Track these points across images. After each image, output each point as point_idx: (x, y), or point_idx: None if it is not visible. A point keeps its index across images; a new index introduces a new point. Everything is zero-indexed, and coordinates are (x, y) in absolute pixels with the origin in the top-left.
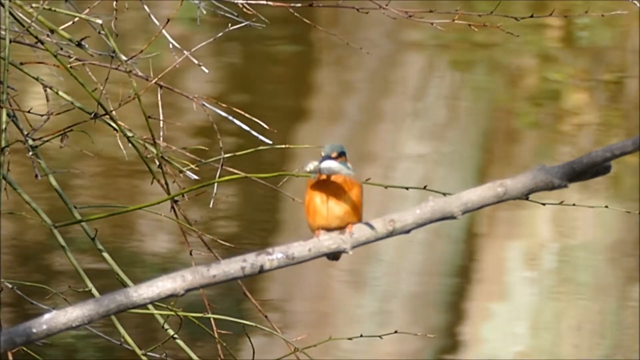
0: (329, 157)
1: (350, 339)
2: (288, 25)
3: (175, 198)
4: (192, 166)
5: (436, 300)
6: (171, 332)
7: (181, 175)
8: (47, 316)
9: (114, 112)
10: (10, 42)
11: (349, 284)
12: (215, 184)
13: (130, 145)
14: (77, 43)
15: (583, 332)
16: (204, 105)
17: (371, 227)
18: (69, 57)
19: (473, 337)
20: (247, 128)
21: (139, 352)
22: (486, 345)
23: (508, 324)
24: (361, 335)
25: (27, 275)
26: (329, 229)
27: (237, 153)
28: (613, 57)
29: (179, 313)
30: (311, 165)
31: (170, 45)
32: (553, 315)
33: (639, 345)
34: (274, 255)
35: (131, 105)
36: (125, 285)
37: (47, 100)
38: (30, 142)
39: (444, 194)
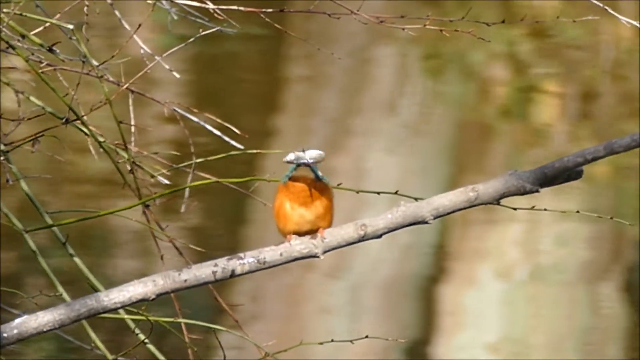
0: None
1: (321, 343)
2: (259, 29)
3: (147, 203)
4: (164, 171)
5: (408, 295)
6: (142, 336)
7: (152, 180)
8: (17, 321)
9: (85, 117)
10: None
11: (321, 282)
12: (187, 189)
13: (101, 150)
14: (48, 48)
15: (554, 326)
16: (175, 110)
17: (343, 231)
18: (41, 62)
19: (445, 342)
20: (218, 133)
21: (109, 357)
22: (459, 338)
23: (479, 320)
24: (332, 340)
25: None
26: (300, 234)
27: (209, 158)
28: (585, 61)
29: (150, 317)
30: (292, 155)
31: (142, 51)
32: (524, 315)
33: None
34: (246, 260)
35: (103, 111)
36: (96, 290)
37: (19, 105)
38: (2, 147)
39: (416, 199)
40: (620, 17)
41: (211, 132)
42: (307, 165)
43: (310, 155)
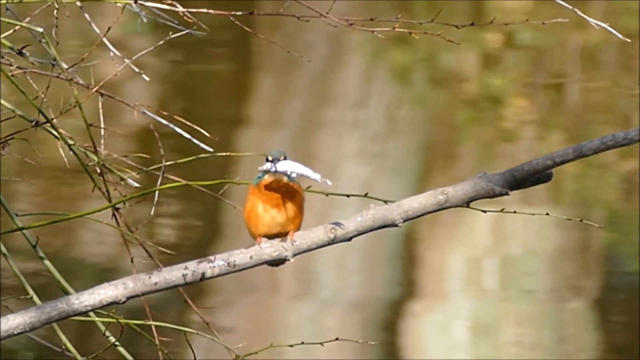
0: (279, 160)
1: (291, 345)
2: (228, 32)
3: (117, 206)
4: (133, 174)
5: (378, 303)
6: (112, 339)
7: (122, 183)
8: None
9: (55, 120)
10: None
11: (291, 289)
12: (157, 192)
13: (71, 153)
14: (18, 51)
15: (524, 341)
16: (144, 113)
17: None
18: (10, 65)
19: (412, 348)
20: (188, 136)
21: (80, 359)
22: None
23: (449, 331)
24: (302, 342)
25: None
26: (270, 236)
27: (179, 161)
28: (554, 61)
29: (120, 320)
30: (269, 165)
31: (111, 54)
32: (494, 321)
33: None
34: (216, 263)
35: (74, 114)
36: (66, 293)
37: None
38: None
39: (385, 202)
40: (589, 19)
41: (181, 135)
42: (285, 175)
43: (288, 166)
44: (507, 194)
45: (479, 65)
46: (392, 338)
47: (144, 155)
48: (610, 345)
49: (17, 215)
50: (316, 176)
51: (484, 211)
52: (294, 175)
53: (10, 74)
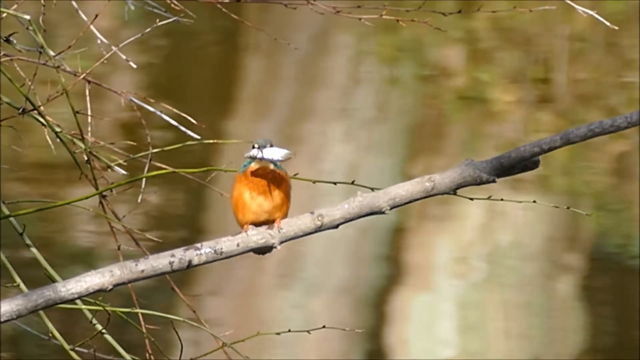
0: (265, 147)
1: (278, 333)
2: (216, 20)
3: (104, 193)
4: (120, 161)
5: (363, 297)
6: (99, 327)
7: (109, 170)
8: None
9: (42, 108)
10: None
11: (277, 278)
12: (144, 179)
13: (58, 140)
14: (5, 39)
15: (511, 330)
16: (131, 100)
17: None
18: None
19: (399, 338)
20: (175, 123)
21: (67, 347)
22: (412, 346)
23: (434, 323)
24: (289, 330)
25: None
26: (256, 224)
27: (165, 148)
28: (541, 50)
29: (107, 308)
30: (255, 151)
31: (99, 41)
32: (481, 313)
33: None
34: (202, 250)
35: (61, 101)
36: (53, 281)
37: None
38: None
39: (372, 189)
40: (577, 6)
41: (168, 122)
42: (271, 162)
43: (274, 153)
44: (494, 181)
45: (467, 52)
46: (380, 323)
47: (131, 143)
48: (599, 331)
49: (4, 203)
50: (291, 154)
51: (471, 199)
52: (280, 161)
53: None
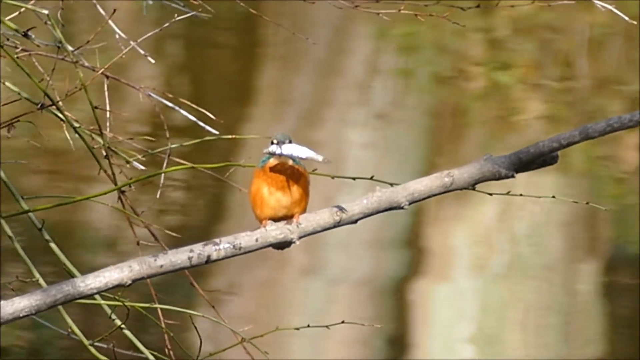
0: (284, 143)
1: (297, 329)
2: (234, 16)
3: (123, 188)
4: (139, 156)
5: (384, 284)
6: (118, 322)
7: (128, 165)
8: None
9: (60, 103)
10: None
11: (297, 268)
12: (162, 174)
13: (77, 135)
14: (23, 33)
15: (530, 315)
16: (150, 95)
17: (318, 216)
18: (16, 47)
19: (422, 321)
20: (193, 118)
21: (86, 342)
22: (435, 330)
23: (456, 308)
24: (308, 325)
25: None
26: (275, 219)
27: (184, 143)
28: (560, 44)
29: (126, 303)
30: (274, 147)
31: (117, 36)
32: (501, 298)
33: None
34: (221, 246)
35: (80, 100)
36: (72, 276)
37: None
38: None
39: (391, 184)
40: (596, 1)
41: (187, 118)
42: (290, 158)
43: (293, 149)
44: (512, 176)
45: (486, 47)
46: (400, 314)
47: (150, 138)
48: (617, 322)
49: (23, 198)
50: (319, 157)
51: (490, 194)
52: (299, 158)
53: (15, 56)
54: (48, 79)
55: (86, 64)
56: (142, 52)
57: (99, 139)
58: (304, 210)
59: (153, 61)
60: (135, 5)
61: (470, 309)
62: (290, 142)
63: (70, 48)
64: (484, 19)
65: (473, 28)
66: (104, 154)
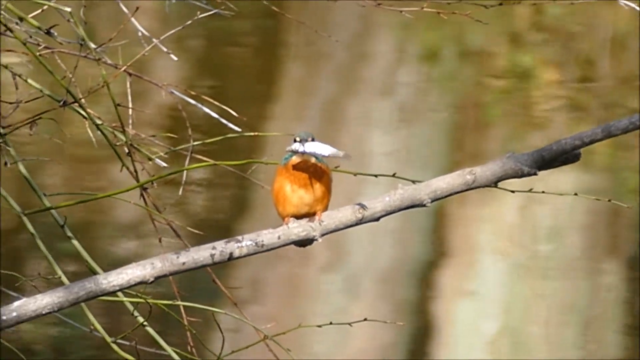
0: (307, 141)
1: (319, 326)
2: (256, 14)
3: (145, 185)
4: (161, 154)
5: (407, 277)
6: (141, 319)
7: (150, 162)
8: (16, 303)
9: (83, 100)
10: None
11: (319, 262)
12: (185, 172)
13: (99, 132)
14: (46, 31)
15: (553, 310)
16: (172, 92)
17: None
18: (38, 45)
19: (445, 316)
20: (215, 115)
21: (108, 339)
22: (458, 325)
23: (479, 304)
24: (331, 323)
25: None
26: (297, 217)
27: (207, 140)
28: (583, 42)
29: (149, 300)
30: (297, 145)
31: (140, 34)
32: (523, 295)
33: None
34: (244, 243)
35: (102, 98)
36: (94, 273)
37: (17, 89)
38: (0, 130)
39: (413, 182)
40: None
41: (209, 115)
42: (313, 155)
43: (316, 147)
44: (535, 174)
45: (509, 44)
46: (422, 310)
47: (172, 135)
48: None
49: (45, 195)
50: (340, 153)
51: (512, 191)
52: (322, 155)
53: (38, 53)
54: (70, 76)
55: (109, 61)
56: (164, 49)
57: (122, 136)
58: (326, 208)
59: (176, 58)
60: (157, 4)
61: (492, 306)
62: (313, 139)
63: (92, 45)
64: (505, 18)
65: (496, 28)
66: (127, 151)
